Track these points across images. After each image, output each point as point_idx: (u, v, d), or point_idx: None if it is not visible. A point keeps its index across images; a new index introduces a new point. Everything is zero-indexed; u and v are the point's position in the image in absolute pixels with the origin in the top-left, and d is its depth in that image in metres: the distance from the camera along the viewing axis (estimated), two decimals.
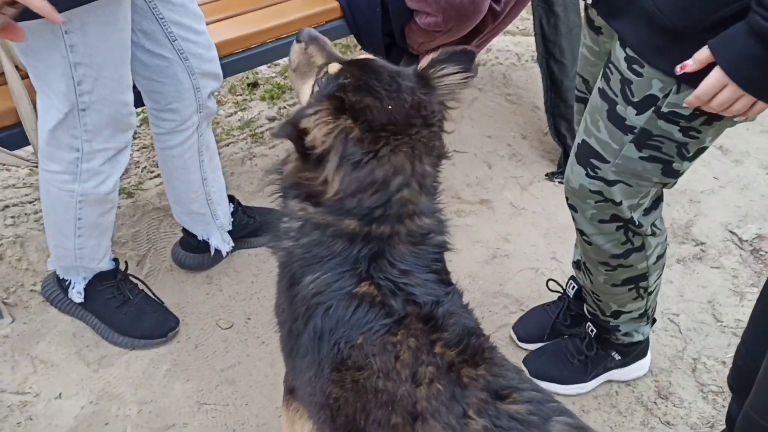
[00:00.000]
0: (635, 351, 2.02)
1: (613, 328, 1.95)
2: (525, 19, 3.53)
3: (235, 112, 2.98)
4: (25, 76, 1.88)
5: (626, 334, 1.97)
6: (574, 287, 2.10)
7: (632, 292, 1.82)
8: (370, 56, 1.40)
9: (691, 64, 1.32)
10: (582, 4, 1.71)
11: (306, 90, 1.44)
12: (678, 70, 1.34)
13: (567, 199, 1.71)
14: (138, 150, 2.75)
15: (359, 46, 3.31)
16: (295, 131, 1.24)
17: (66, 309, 2.12)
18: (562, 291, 2.14)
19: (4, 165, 2.51)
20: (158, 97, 1.94)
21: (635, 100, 1.47)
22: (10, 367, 2.01)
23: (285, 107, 3.00)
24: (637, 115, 1.48)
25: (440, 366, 1.18)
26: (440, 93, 1.35)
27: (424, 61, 1.37)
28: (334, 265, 1.27)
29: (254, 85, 3.12)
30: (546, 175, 2.74)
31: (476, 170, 2.76)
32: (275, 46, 2.32)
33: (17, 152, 1.95)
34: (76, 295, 2.07)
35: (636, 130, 1.50)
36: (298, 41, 1.48)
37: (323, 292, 1.26)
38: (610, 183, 1.59)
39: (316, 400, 1.28)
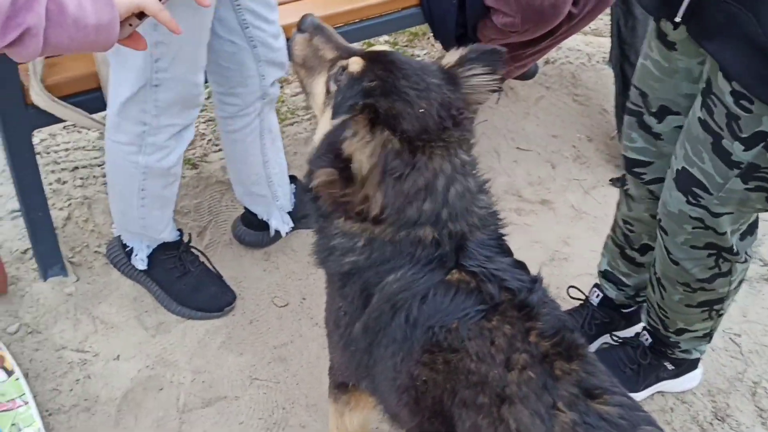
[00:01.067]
0: (688, 364, 2.00)
1: (673, 343, 1.92)
2: (598, 19, 3.46)
3: (301, 92, 2.99)
4: None
5: (684, 351, 1.94)
6: (599, 295, 2.09)
7: (704, 314, 1.79)
8: (388, 49, 1.37)
9: None
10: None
11: (318, 87, 1.39)
12: None
13: (659, 220, 1.68)
14: (204, 122, 2.78)
15: (426, 37, 3.31)
16: (337, 159, 1.21)
17: (128, 273, 2.17)
18: (584, 298, 2.13)
19: (79, 126, 2.57)
20: (223, 81, 1.96)
21: (743, 135, 1.43)
22: (72, 324, 2.07)
23: None
24: (744, 150, 1.45)
25: (534, 355, 1.21)
26: (466, 91, 1.34)
27: (452, 57, 1.34)
28: (420, 265, 1.28)
29: None
30: (610, 180, 2.70)
31: (539, 169, 2.73)
32: (349, 29, 2.32)
33: (94, 116, 2.00)
34: (139, 262, 2.12)
35: (743, 165, 1.46)
36: (301, 31, 1.41)
37: (412, 286, 1.28)
38: (715, 214, 1.56)
39: (399, 383, 1.31)
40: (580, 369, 1.20)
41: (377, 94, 1.26)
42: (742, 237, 1.65)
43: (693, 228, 1.60)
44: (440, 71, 1.33)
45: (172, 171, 1.93)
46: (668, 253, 1.69)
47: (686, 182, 1.58)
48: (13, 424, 1.74)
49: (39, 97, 1.86)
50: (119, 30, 1.19)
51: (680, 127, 1.64)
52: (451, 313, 1.25)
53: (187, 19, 1.65)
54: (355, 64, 1.31)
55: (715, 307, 1.78)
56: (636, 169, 1.80)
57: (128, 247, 2.12)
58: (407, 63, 1.32)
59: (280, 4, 2.01)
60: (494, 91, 1.38)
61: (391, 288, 1.30)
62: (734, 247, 1.63)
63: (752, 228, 1.68)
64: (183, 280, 2.11)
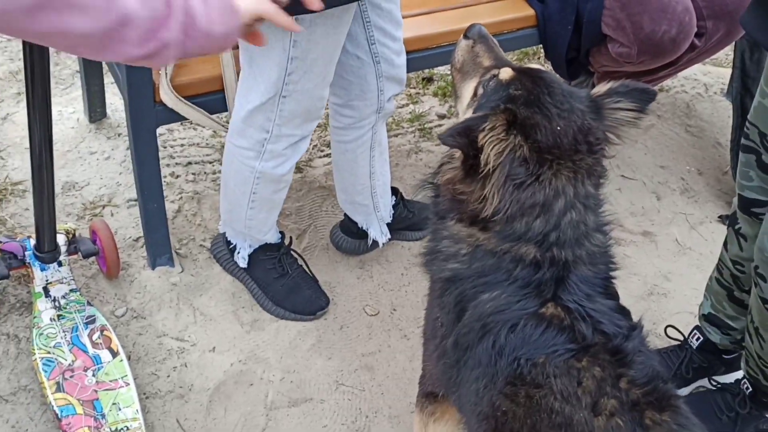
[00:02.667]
0: None
1: None
2: None
3: (407, 105, 3.03)
4: (235, 46, 2.01)
5: None
6: (699, 338, 2.01)
7: None
8: (542, 68, 1.37)
9: None
10: None
11: (467, 91, 1.43)
12: None
13: (756, 267, 1.61)
14: None
15: (537, 56, 3.28)
16: (469, 144, 1.25)
17: (229, 269, 2.26)
18: (682, 339, 2.05)
19: (195, 124, 2.69)
20: (342, 93, 2.01)
21: None
22: (174, 313, 2.17)
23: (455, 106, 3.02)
24: None
25: (624, 402, 1.17)
26: (608, 123, 1.34)
27: (602, 88, 1.34)
28: (516, 287, 1.28)
29: (429, 80, 3.16)
30: (719, 217, 2.60)
31: (643, 200, 2.66)
32: None
33: (214, 116, 2.10)
34: (241, 259, 2.20)
35: None
36: (466, 37, 1.47)
37: (504, 311, 1.28)
38: None
39: (480, 410, 1.30)
40: (671, 420, 1.16)
41: (519, 102, 1.29)
42: None
43: None
44: (587, 99, 1.33)
45: (284, 178, 2.00)
46: (765, 301, 1.62)
47: None
48: (114, 403, 1.84)
49: (167, 95, 1.98)
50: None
51: None
52: (540, 348, 1.23)
53: (325, 36, 1.73)
54: (506, 72, 1.36)
55: None
56: (752, 209, 1.73)
57: (232, 244, 2.21)
58: (556, 83, 1.33)
59: (404, 17, 2.04)
60: (633, 126, 1.36)
61: (484, 307, 1.30)
62: None
63: None
64: (280, 281, 2.18)
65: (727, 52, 3.05)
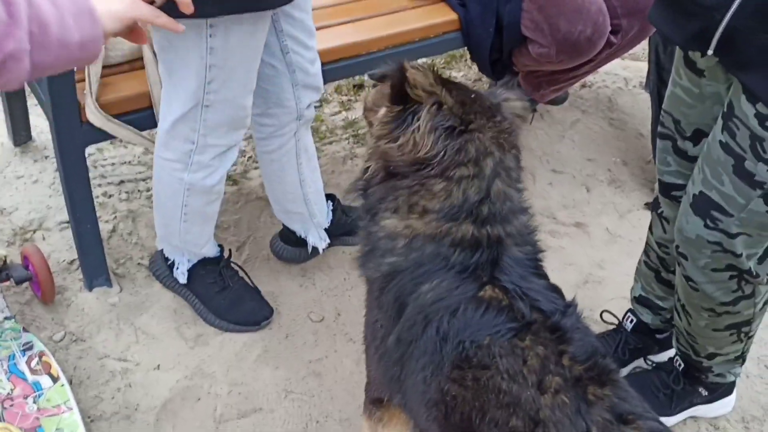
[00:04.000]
0: (723, 388, 1.99)
1: (706, 368, 1.92)
2: None
3: (340, 112, 3.06)
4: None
5: (718, 375, 1.94)
6: (632, 320, 2.09)
7: (733, 337, 1.79)
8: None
9: None
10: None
11: (377, 118, 1.47)
12: None
13: (677, 247, 1.69)
14: (245, 140, 2.85)
15: (464, 59, 3.35)
16: (398, 73, 1.34)
17: (170, 286, 2.23)
18: (617, 323, 2.13)
19: (126, 142, 2.66)
20: (259, 102, 2.02)
21: (767, 156, 1.45)
22: (114, 334, 2.13)
23: None
24: None
25: (567, 378, 1.21)
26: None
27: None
28: (453, 273, 1.31)
29: (360, 86, 3.19)
30: (645, 204, 2.70)
31: (574, 192, 2.75)
32: (391, 53, 2.37)
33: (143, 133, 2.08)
34: (180, 275, 2.18)
35: (766, 186, 1.48)
36: (369, 77, 1.60)
37: (444, 298, 1.31)
38: (732, 235, 1.57)
39: (429, 397, 1.32)
40: (612, 394, 1.20)
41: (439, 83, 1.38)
42: (761, 260, 1.65)
43: (712, 252, 1.61)
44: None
45: (214, 189, 1.99)
46: (689, 279, 1.71)
47: (704, 206, 1.59)
48: (57, 429, 1.80)
49: (94, 115, 1.95)
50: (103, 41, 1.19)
51: None
52: (482, 329, 1.26)
53: (241, 43, 1.73)
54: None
55: (743, 329, 1.78)
56: (672, 192, 1.82)
57: (170, 260, 2.19)
58: (465, 86, 1.44)
59: (318, 29, 2.07)
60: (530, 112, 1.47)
61: (425, 298, 1.33)
62: (753, 270, 1.64)
63: None
64: (222, 294, 2.17)
65: (644, 47, 3.18)
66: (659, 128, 1.81)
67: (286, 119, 2.06)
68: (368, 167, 1.43)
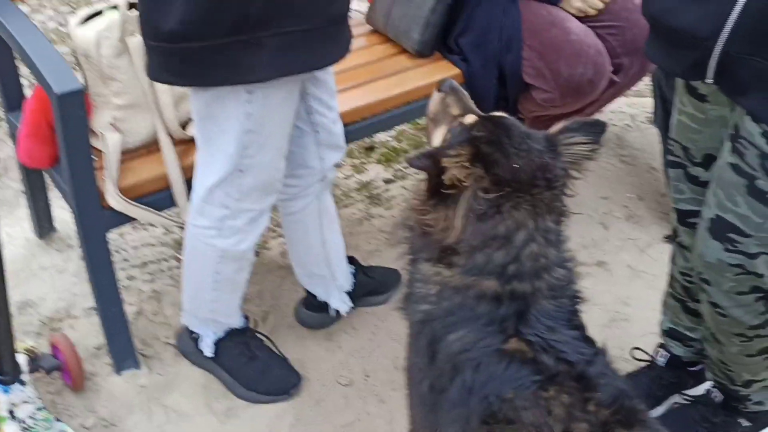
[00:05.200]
0: (765, 417, 1.94)
1: (744, 397, 1.88)
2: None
3: (353, 175, 3.10)
4: (177, 143, 2.06)
5: (757, 403, 1.89)
6: (664, 355, 2.06)
7: (767, 362, 1.75)
8: (504, 114, 1.46)
9: None
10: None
11: (437, 138, 1.52)
12: None
13: (699, 274, 1.68)
14: None
15: None
16: (434, 165, 1.34)
17: (197, 361, 2.24)
18: (649, 359, 2.11)
19: (146, 224, 2.71)
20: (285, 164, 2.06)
21: None
22: (146, 416, 2.14)
23: (400, 169, 3.10)
24: None
25: (593, 423, 1.20)
26: (566, 159, 1.40)
27: (557, 127, 1.42)
28: (480, 324, 1.32)
29: (370, 148, 3.24)
30: (665, 237, 2.69)
31: (591, 232, 2.75)
32: (398, 113, 2.42)
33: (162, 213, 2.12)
34: (207, 348, 2.19)
35: None
36: (439, 91, 1.58)
37: (470, 349, 1.31)
38: (752, 256, 1.56)
39: None
40: None
41: (481, 141, 1.37)
42: None
43: (735, 275, 1.60)
44: (544, 138, 1.41)
45: (246, 255, 2.01)
46: (715, 305, 1.68)
47: (721, 229, 1.58)
48: None
49: (114, 199, 2.00)
50: None
51: None
52: (506, 383, 1.26)
53: (278, 107, 1.78)
54: (470, 117, 1.47)
55: None
56: (689, 219, 1.81)
57: (196, 334, 2.20)
58: (516, 126, 1.42)
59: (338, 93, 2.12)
60: (590, 159, 1.43)
61: (452, 347, 1.34)
62: None
63: None
64: (250, 365, 2.17)
65: (647, 83, 3.21)
66: (669, 157, 1.82)
67: (310, 180, 2.09)
68: (409, 217, 1.45)
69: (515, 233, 1.32)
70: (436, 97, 1.58)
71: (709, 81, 1.50)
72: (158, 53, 1.72)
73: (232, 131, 1.77)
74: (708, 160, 1.71)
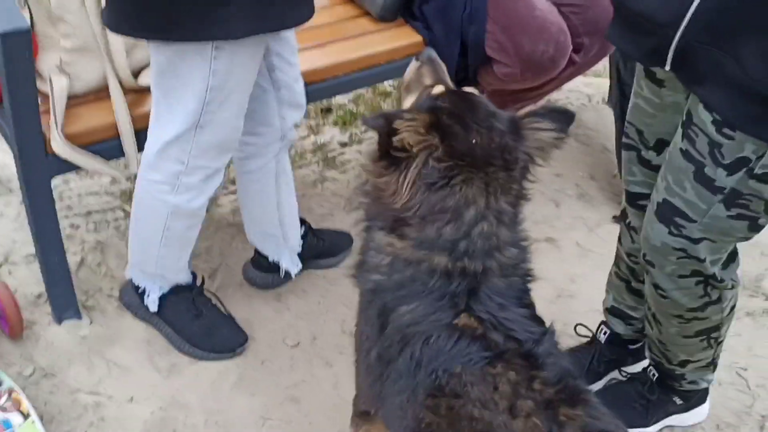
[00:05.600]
0: (697, 396, 2.02)
1: (679, 376, 1.94)
2: None
3: (308, 136, 3.06)
4: (128, 92, 1.99)
5: (691, 382, 1.96)
6: (606, 332, 2.11)
7: (703, 343, 1.82)
8: (475, 91, 1.44)
9: None
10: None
11: (407, 105, 1.51)
12: None
13: (644, 255, 1.72)
14: None
15: None
16: (386, 126, 1.31)
17: (141, 316, 2.20)
18: (591, 335, 2.16)
19: (92, 173, 2.63)
20: (246, 121, 2.02)
21: (726, 162, 1.48)
22: (86, 368, 2.09)
23: (356, 133, 3.07)
24: (727, 176, 1.49)
25: (538, 401, 1.20)
26: (529, 144, 1.38)
27: (524, 111, 1.41)
28: (431, 299, 1.31)
29: (328, 110, 3.20)
30: (614, 217, 2.74)
31: (543, 208, 2.78)
32: (358, 76, 2.39)
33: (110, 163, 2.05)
34: (152, 303, 2.15)
35: (726, 191, 1.51)
36: (416, 59, 1.56)
37: (420, 322, 1.31)
38: (695, 241, 1.60)
39: (406, 424, 1.32)
40: (584, 414, 1.20)
41: (444, 112, 1.34)
42: (725, 266, 1.69)
43: (677, 258, 1.64)
44: (509, 120, 1.38)
45: (198, 212, 1.98)
46: (657, 287, 1.73)
47: (668, 213, 1.62)
48: None
49: (59, 146, 1.92)
50: None
51: None
52: (455, 358, 1.27)
53: (242, 65, 1.73)
54: (438, 87, 1.45)
55: (713, 335, 1.81)
56: (639, 202, 1.85)
57: (141, 288, 2.16)
58: (483, 104, 1.39)
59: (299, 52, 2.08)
60: (556, 147, 1.41)
61: (402, 319, 1.33)
62: (717, 275, 1.67)
63: (733, 255, 1.72)
64: (196, 322, 2.14)
65: (604, 64, 3.24)
66: (624, 139, 1.85)
67: (269, 139, 2.06)
68: (366, 181, 1.43)
69: (465, 209, 1.31)
70: (412, 66, 1.56)
71: (667, 69, 1.52)
72: (119, 0, 1.64)
73: (194, 87, 1.72)
74: (660, 145, 1.74)
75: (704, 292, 1.71)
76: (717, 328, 1.80)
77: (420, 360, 1.29)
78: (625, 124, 1.83)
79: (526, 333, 1.30)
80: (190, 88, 1.72)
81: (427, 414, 1.27)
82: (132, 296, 2.20)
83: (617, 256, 2.04)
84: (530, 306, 1.39)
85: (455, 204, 1.31)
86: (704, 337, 1.81)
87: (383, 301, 1.36)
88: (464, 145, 1.31)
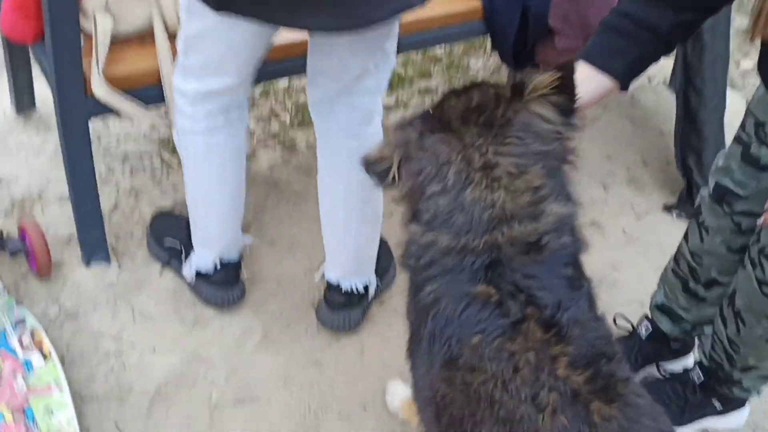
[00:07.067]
0: (736, 402, 1.91)
1: (736, 381, 1.82)
2: None
3: None
4: (172, 37, 1.93)
5: (745, 390, 1.84)
6: (648, 328, 2.01)
7: None
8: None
9: None
10: None
11: None
12: None
13: (763, 248, 1.58)
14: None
15: (482, 48, 3.27)
16: (367, 164, 1.33)
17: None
18: (631, 329, 2.05)
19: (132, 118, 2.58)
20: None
21: None
22: (110, 313, 2.07)
23: (402, 99, 2.98)
24: None
25: (563, 393, 1.09)
26: (528, 100, 1.27)
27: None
28: (452, 277, 1.23)
29: None
30: (665, 206, 2.62)
31: (590, 190, 2.67)
32: (411, 40, 2.27)
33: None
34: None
35: None
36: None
37: (440, 298, 1.24)
38: None
39: (425, 394, 1.29)
40: (620, 414, 1.08)
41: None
42: None
43: None
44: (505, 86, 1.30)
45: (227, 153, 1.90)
46: (764, 283, 1.60)
47: None
48: (46, 409, 1.74)
49: (100, 88, 1.87)
50: None
51: None
52: (466, 326, 1.18)
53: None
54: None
55: None
56: (726, 198, 1.71)
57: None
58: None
59: None
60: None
61: (427, 299, 1.27)
62: None
63: None
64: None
65: None
66: (738, 131, 1.67)
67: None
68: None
69: (444, 168, 1.20)
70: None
71: None
72: None
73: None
74: None
75: None
76: None
77: (432, 331, 1.24)
78: (745, 114, 1.66)
79: (549, 297, 1.17)
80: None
81: (441, 385, 1.22)
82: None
83: (678, 252, 1.91)
84: (572, 278, 1.24)
85: (429, 164, 1.22)
86: None
87: (417, 282, 1.31)
88: (439, 113, 1.27)
